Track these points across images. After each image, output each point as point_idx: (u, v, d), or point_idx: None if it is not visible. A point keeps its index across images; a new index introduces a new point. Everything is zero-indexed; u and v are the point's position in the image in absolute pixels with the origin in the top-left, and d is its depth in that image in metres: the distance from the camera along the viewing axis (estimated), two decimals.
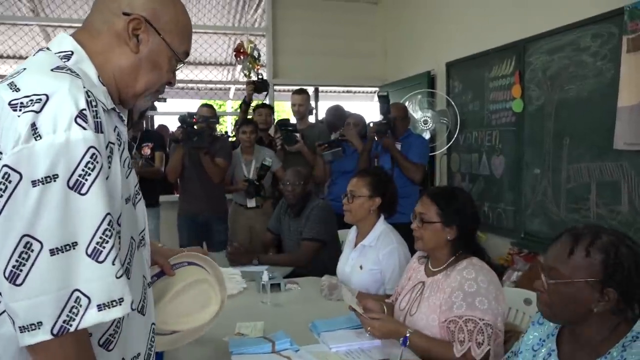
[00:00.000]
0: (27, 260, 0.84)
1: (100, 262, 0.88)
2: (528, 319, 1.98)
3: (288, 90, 5.48)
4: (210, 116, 3.70)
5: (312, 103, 7.53)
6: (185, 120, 3.51)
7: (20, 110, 0.87)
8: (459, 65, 4.18)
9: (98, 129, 0.92)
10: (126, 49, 1.05)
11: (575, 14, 2.98)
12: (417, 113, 4.24)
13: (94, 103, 0.93)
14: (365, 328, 1.78)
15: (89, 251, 0.87)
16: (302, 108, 4.22)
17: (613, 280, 1.16)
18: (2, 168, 0.85)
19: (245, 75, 4.71)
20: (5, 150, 0.86)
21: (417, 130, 4.13)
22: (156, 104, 5.50)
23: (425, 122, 4.16)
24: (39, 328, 0.85)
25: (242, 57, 4.45)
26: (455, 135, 4.12)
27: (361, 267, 2.43)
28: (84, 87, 0.92)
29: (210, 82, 7.38)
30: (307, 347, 1.75)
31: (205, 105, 3.96)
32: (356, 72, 5.68)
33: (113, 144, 0.98)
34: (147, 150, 3.92)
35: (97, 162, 0.89)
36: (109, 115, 1.01)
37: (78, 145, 0.87)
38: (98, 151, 0.90)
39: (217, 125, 4.04)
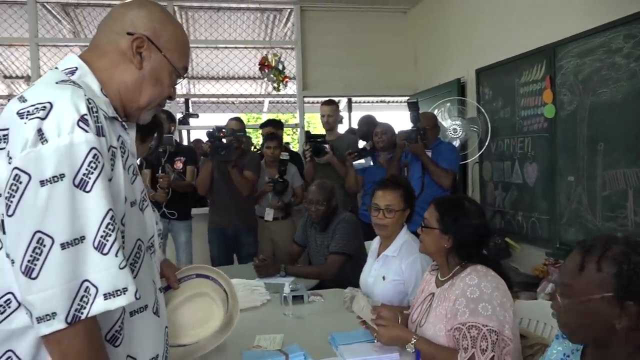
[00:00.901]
0: (40, 255, 0.91)
1: (105, 254, 0.95)
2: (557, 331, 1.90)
3: (318, 102, 5.52)
4: (237, 129, 3.74)
5: (345, 114, 7.56)
6: (213, 134, 3.57)
7: (27, 117, 0.95)
8: (489, 71, 4.10)
9: (99, 132, 0.99)
10: (130, 66, 1.13)
11: (605, 15, 2.87)
12: (447, 121, 4.17)
13: (94, 109, 1.00)
14: (372, 334, 1.77)
15: (95, 244, 0.94)
16: (332, 119, 4.22)
17: (630, 293, 1.09)
18: (12, 170, 0.93)
19: (274, 88, 4.76)
20: (15, 155, 0.94)
21: (446, 139, 4.06)
22: (190, 119, 5.65)
23: (455, 130, 4.09)
24: (54, 318, 0.91)
25: (266, 70, 4.49)
26: (486, 143, 4.02)
27: (384, 278, 2.39)
28: (85, 96, 1.00)
29: (242, 95, 7.49)
30: None
31: (233, 118, 4.01)
32: (386, 82, 5.65)
33: (115, 148, 1.05)
34: (179, 164, 3.99)
35: (99, 162, 0.97)
36: (111, 123, 1.08)
37: (81, 146, 0.95)
38: (99, 152, 0.97)
39: (250, 138, 4.07)
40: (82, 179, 0.94)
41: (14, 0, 4.97)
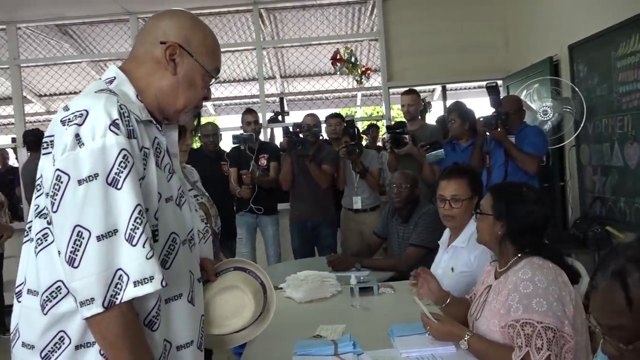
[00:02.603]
0: (80, 246, 1.02)
1: (134, 246, 1.04)
2: None
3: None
4: (313, 125, 3.82)
5: (440, 102, 7.35)
6: (289, 130, 3.67)
7: (67, 124, 1.06)
8: (582, 46, 3.77)
9: (130, 135, 1.09)
10: (165, 73, 1.22)
11: None
12: (535, 103, 3.90)
13: (126, 114, 1.10)
14: (425, 328, 1.73)
15: (126, 236, 1.04)
16: (412, 108, 4.13)
17: None
18: (55, 172, 1.05)
19: (356, 81, 4.76)
20: (57, 157, 1.06)
21: (536, 122, 3.80)
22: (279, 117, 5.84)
23: (545, 112, 3.81)
24: (92, 303, 1.02)
25: (338, 65, 4.50)
26: (581, 124, 3.71)
27: (452, 270, 2.32)
28: (118, 102, 1.10)
29: (327, 91, 7.57)
30: (374, 351, 1.72)
31: (309, 114, 4.09)
32: (476, 66, 5.39)
33: (148, 149, 1.14)
34: (263, 162, 4.15)
35: (129, 162, 1.06)
36: (146, 126, 1.18)
37: (112, 148, 1.05)
38: (129, 153, 1.07)
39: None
40: (114, 177, 1.04)
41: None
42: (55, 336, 1.09)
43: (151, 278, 1.05)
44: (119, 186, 1.04)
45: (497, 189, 1.79)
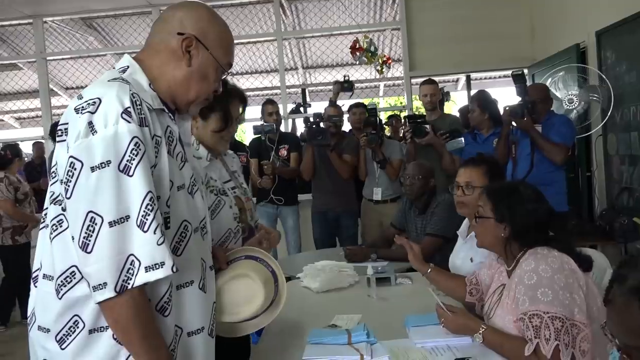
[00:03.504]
0: (93, 232, 1.04)
1: (145, 232, 1.05)
2: None
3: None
4: (334, 115, 3.80)
5: (464, 92, 7.23)
6: (309, 120, 3.66)
7: (81, 112, 1.08)
8: (611, 32, 3.65)
9: (142, 123, 1.10)
10: (180, 64, 1.23)
11: None
12: (561, 92, 3.80)
13: (138, 102, 1.11)
14: (439, 320, 1.71)
15: (138, 222, 1.05)
16: (434, 98, 4.07)
17: None
18: (69, 159, 1.07)
19: (377, 71, 4.72)
20: (70, 145, 1.08)
21: (561, 111, 3.71)
22: (301, 108, 5.83)
23: (571, 100, 3.71)
24: (105, 287, 1.04)
25: (358, 54, 4.46)
26: (609, 113, 3.61)
27: (471, 260, 2.28)
28: (130, 90, 1.11)
29: (358, 81, 7.52)
30: (389, 341, 1.70)
31: (330, 104, 4.07)
32: (501, 55, 5.29)
33: (160, 137, 1.16)
34: (283, 152, 4.16)
35: (140, 149, 1.07)
36: (159, 115, 1.19)
37: (124, 136, 1.06)
38: (141, 140, 1.08)
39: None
40: (125, 164, 1.06)
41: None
42: (70, 320, 1.12)
43: (162, 264, 1.07)
44: (130, 173, 1.06)
45: (494, 192, 1.75)
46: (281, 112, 5.32)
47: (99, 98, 1.08)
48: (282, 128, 5.35)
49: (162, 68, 1.23)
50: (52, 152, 4.68)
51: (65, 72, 6.44)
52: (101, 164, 1.04)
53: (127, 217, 1.05)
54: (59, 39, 6.08)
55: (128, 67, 1.22)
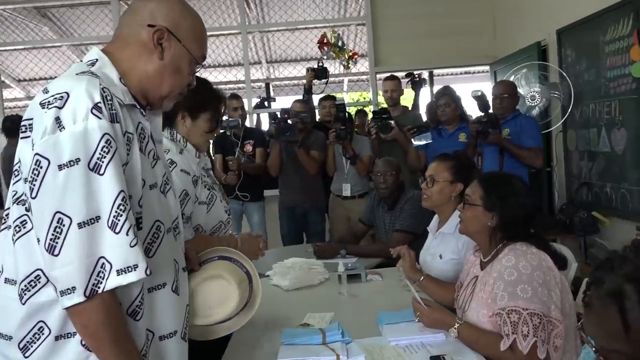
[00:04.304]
0: (60, 234, 0.98)
1: (117, 233, 1.01)
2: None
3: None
4: (301, 111, 3.76)
5: (427, 88, 7.29)
6: (276, 116, 3.61)
7: (47, 107, 1.01)
8: (571, 31, 3.75)
9: (113, 119, 1.05)
10: (152, 57, 1.17)
11: None
12: (523, 89, 3.88)
13: (109, 97, 1.05)
14: (414, 314, 1.72)
15: (109, 223, 1.00)
16: (395, 94, 4.10)
17: None
18: (34, 156, 1.00)
19: (343, 66, 4.70)
20: (36, 141, 1.01)
21: (524, 108, 3.79)
22: (266, 103, 5.76)
23: (533, 97, 3.79)
24: (74, 292, 0.99)
25: (325, 49, 4.44)
26: (569, 110, 3.70)
27: (441, 256, 2.30)
28: (101, 85, 1.05)
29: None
30: (363, 339, 1.69)
31: (297, 100, 4.02)
32: (464, 52, 5.36)
33: (132, 134, 1.10)
34: (249, 148, 4.09)
35: (111, 147, 1.02)
36: (130, 111, 1.14)
37: (94, 132, 1.01)
38: (112, 137, 1.03)
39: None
40: (96, 162, 1.01)
41: None
42: (35, 326, 1.06)
43: (135, 266, 1.02)
44: (101, 172, 1.01)
45: (487, 180, 1.77)
46: (246, 107, 5.25)
47: (66, 92, 1.03)
48: (247, 123, 5.28)
49: (132, 61, 1.17)
50: (5, 147, 4.43)
51: (18, 63, 6.16)
52: (70, 161, 0.99)
53: (98, 218, 1.00)
54: (10, 29, 5.80)
55: (97, 60, 1.15)
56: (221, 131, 3.90)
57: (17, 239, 1.07)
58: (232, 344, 1.81)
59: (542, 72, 3.98)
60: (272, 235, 4.35)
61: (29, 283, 1.05)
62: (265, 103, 5.78)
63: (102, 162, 1.01)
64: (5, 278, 1.10)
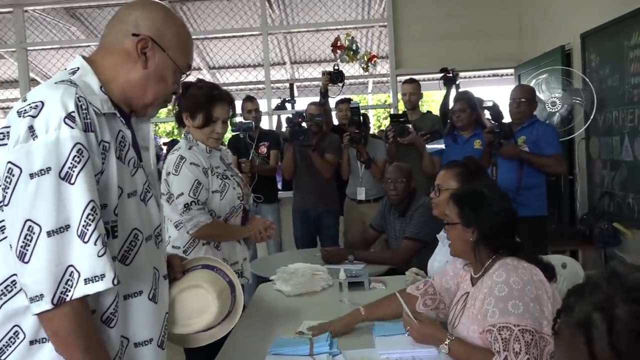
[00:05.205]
0: (30, 241, 1.00)
1: (85, 242, 1.01)
2: None
3: (423, 80, 5.30)
4: (316, 114, 3.74)
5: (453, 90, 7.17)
6: (291, 120, 3.60)
7: (23, 115, 1.03)
8: (595, 35, 3.62)
9: (87, 128, 1.06)
10: (135, 66, 1.18)
11: None
12: (544, 94, 3.77)
13: (84, 107, 1.06)
14: (404, 327, 1.68)
15: (78, 232, 1.01)
16: (414, 97, 4.03)
17: None
18: (7, 164, 1.01)
19: (363, 68, 4.66)
20: (9, 149, 1.03)
21: (544, 114, 3.68)
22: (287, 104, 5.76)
23: (554, 103, 3.68)
24: (42, 299, 0.99)
25: (339, 52, 4.40)
26: (591, 117, 3.58)
27: (447, 264, 2.25)
28: (77, 94, 1.06)
29: (346, 77, 7.43)
30: (353, 351, 1.66)
31: (312, 103, 4.01)
32: (488, 54, 5.24)
33: (107, 142, 1.10)
34: (263, 149, 4.09)
35: (83, 156, 1.03)
36: (109, 119, 1.14)
37: (66, 142, 1.02)
38: (84, 147, 1.04)
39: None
40: (67, 172, 1.01)
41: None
42: (10, 331, 1.07)
43: (102, 276, 1.02)
44: (72, 181, 1.01)
45: (458, 196, 1.73)
46: (265, 108, 5.27)
47: (41, 101, 1.04)
48: (267, 124, 5.30)
49: (116, 70, 1.18)
50: None
51: (46, 62, 6.32)
52: (41, 170, 1.00)
53: (67, 227, 1.01)
54: (40, 29, 5.95)
55: (78, 68, 1.16)
56: (234, 133, 3.96)
57: None
58: (225, 348, 1.81)
59: (565, 77, 3.87)
60: (286, 237, 4.35)
61: (5, 288, 1.07)
62: (287, 104, 5.78)
63: (73, 171, 1.01)
64: None
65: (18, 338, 1.07)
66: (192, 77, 1.85)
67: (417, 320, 1.66)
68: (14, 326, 1.07)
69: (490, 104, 3.22)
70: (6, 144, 1.06)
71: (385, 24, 5.31)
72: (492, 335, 1.46)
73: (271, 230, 2.32)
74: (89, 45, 6.25)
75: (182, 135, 2.28)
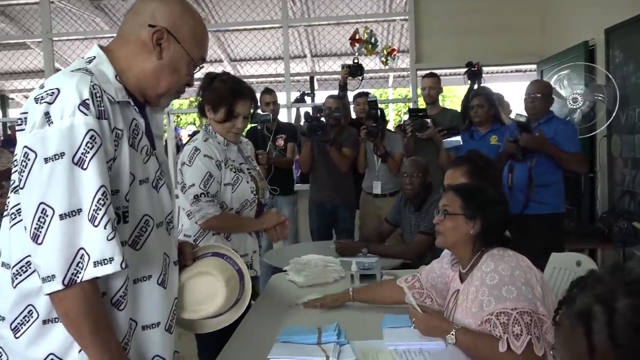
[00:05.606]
0: (44, 224, 1.03)
1: (96, 226, 1.05)
2: None
3: (444, 75, 5.27)
4: (334, 107, 3.75)
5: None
6: (309, 115, 3.62)
7: (39, 102, 1.07)
8: (620, 30, 3.55)
9: (101, 115, 1.09)
10: (150, 56, 1.21)
11: None
12: (565, 90, 3.71)
13: (98, 94, 1.09)
14: (410, 319, 1.69)
15: (89, 216, 1.05)
16: (433, 92, 4.01)
17: None
18: (23, 149, 1.06)
19: (382, 62, 4.65)
20: (26, 134, 1.07)
21: (565, 110, 3.62)
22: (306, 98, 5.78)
23: (575, 100, 3.62)
24: (53, 280, 1.03)
25: (357, 45, 4.39)
26: (613, 114, 3.52)
27: None
28: (92, 82, 1.09)
29: (366, 71, 7.41)
30: (361, 342, 1.67)
31: (330, 96, 4.01)
32: (511, 49, 5.15)
33: (121, 130, 1.14)
34: (280, 142, 4.12)
35: (96, 143, 1.06)
36: (123, 107, 1.17)
37: (80, 128, 1.05)
38: (97, 133, 1.07)
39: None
40: (80, 157, 1.05)
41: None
42: (25, 309, 1.12)
43: (111, 259, 1.05)
44: (84, 166, 1.05)
45: (464, 189, 1.75)
46: (284, 100, 5.29)
47: (57, 88, 1.08)
48: (286, 117, 5.32)
49: (131, 59, 1.21)
50: None
51: (71, 52, 6.43)
52: (55, 155, 1.04)
53: (79, 211, 1.04)
54: (65, 20, 6.06)
55: (95, 57, 1.20)
56: (252, 125, 3.99)
57: (12, 226, 1.13)
58: (236, 335, 1.84)
59: (588, 74, 3.80)
60: (302, 229, 4.37)
61: (20, 268, 1.11)
62: (306, 97, 5.80)
63: (86, 157, 1.05)
64: (2, 262, 1.17)
65: (32, 317, 1.11)
66: (213, 69, 1.88)
67: (423, 311, 1.67)
68: (28, 305, 1.11)
69: (522, 119, 3.14)
70: (24, 129, 1.10)
71: (407, 17, 5.27)
72: (491, 323, 1.48)
73: (284, 228, 2.34)
74: (112, 36, 6.27)
75: (202, 127, 2.32)
